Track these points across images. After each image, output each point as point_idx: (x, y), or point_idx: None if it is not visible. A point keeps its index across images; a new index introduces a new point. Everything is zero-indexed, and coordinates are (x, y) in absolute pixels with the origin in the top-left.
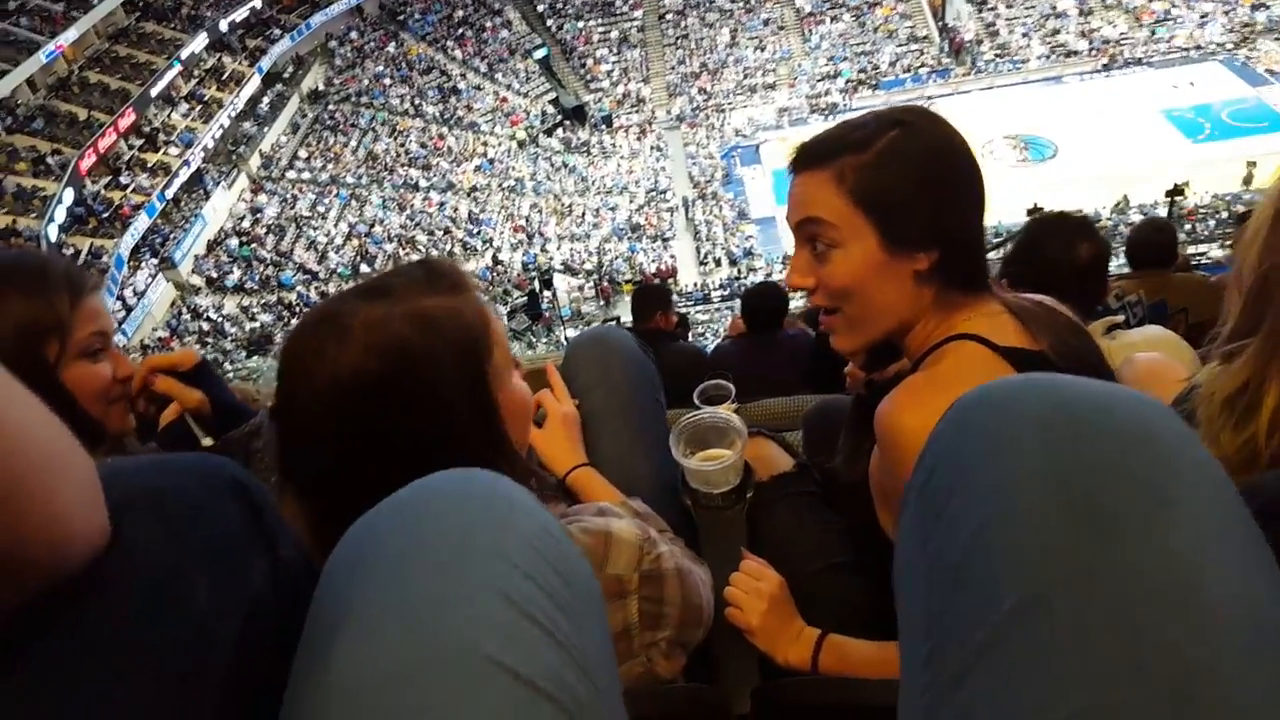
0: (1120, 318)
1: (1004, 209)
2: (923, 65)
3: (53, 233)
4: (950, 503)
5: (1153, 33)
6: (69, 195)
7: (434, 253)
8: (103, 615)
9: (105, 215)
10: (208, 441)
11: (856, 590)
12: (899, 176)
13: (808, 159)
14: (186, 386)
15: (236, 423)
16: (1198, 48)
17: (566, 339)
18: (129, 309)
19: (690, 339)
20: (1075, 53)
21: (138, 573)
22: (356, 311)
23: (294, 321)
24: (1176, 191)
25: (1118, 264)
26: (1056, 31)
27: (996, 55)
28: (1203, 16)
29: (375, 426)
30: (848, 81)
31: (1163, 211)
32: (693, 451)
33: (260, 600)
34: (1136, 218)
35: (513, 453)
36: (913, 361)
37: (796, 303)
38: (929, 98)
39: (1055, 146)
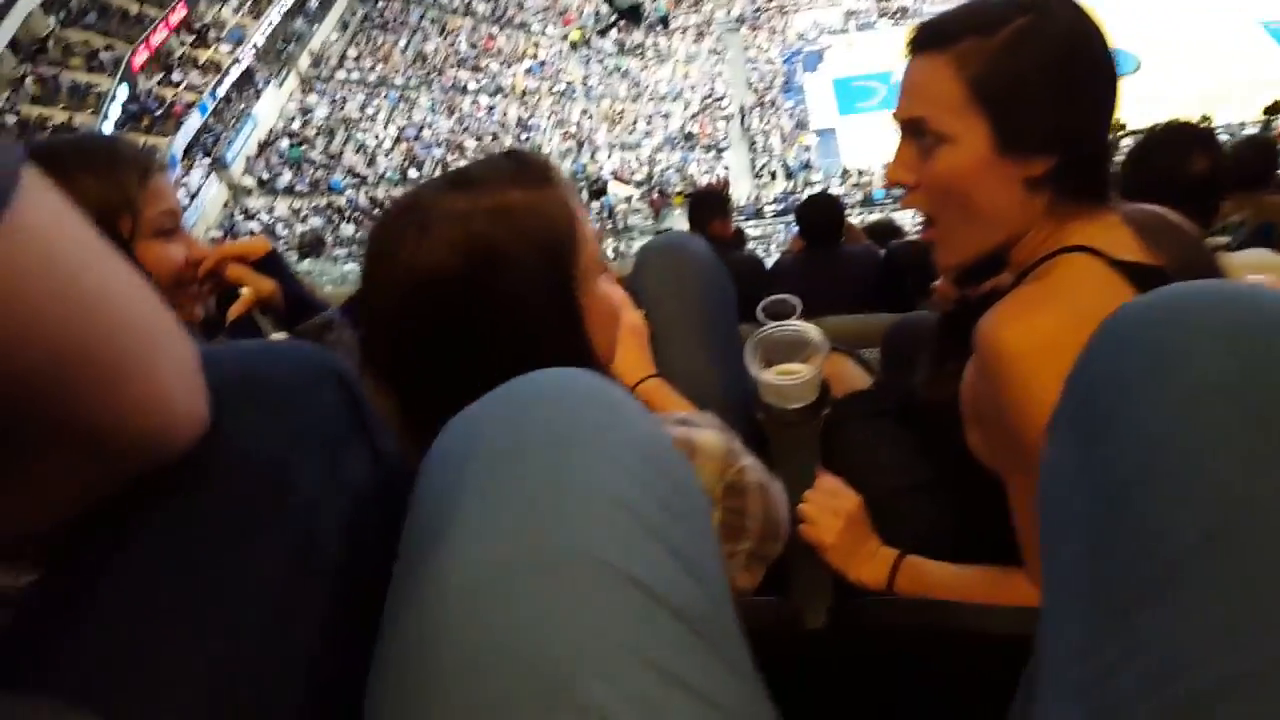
0: (1224, 239)
1: None
2: None
3: (108, 129)
4: (1116, 424)
5: None
6: (123, 91)
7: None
8: (206, 500)
9: (159, 113)
10: (277, 336)
11: (934, 511)
12: (1025, 69)
13: (927, 39)
14: (259, 275)
15: (307, 316)
16: None
17: (616, 252)
18: (183, 209)
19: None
20: None
21: (240, 458)
22: (439, 203)
23: (343, 226)
24: (1275, 108)
25: None
26: None
27: None
28: None
29: (452, 323)
30: None
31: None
32: (768, 365)
33: (359, 491)
34: (1224, 138)
35: (597, 361)
36: (1016, 275)
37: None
38: None
39: (1138, 60)
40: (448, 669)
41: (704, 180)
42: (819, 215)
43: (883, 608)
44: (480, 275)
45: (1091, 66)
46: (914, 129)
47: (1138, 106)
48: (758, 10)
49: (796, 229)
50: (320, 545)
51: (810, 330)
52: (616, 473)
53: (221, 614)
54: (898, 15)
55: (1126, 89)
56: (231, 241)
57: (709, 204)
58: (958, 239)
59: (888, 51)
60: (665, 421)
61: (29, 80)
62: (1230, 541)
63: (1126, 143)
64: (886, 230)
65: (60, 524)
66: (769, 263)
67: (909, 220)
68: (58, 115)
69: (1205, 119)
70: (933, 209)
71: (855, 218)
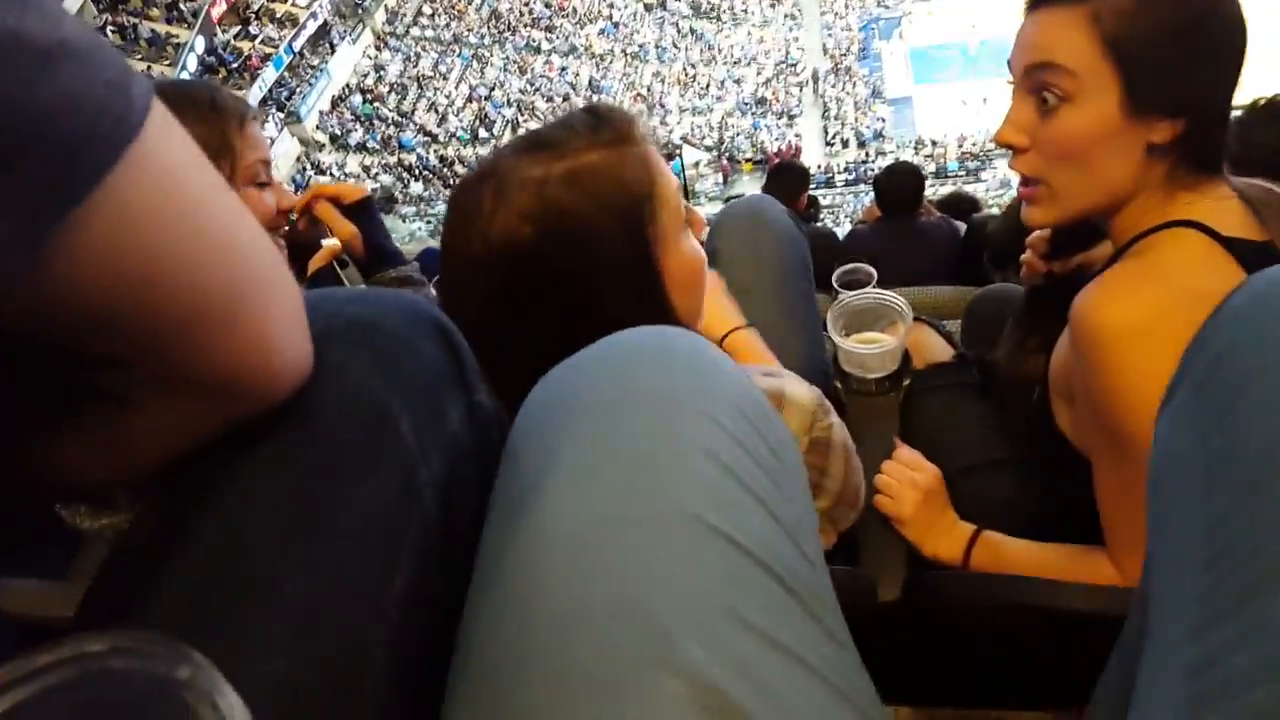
0: None
1: None
2: None
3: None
4: (1247, 395)
5: None
6: (200, 43)
7: (552, 121)
8: (310, 442)
9: (235, 65)
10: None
11: (1011, 488)
12: (1163, 27)
13: None
14: (342, 218)
15: (385, 266)
16: None
17: None
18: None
19: (818, 221)
20: None
21: (345, 403)
22: (515, 169)
23: (414, 185)
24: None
25: None
26: None
27: None
28: None
29: (530, 291)
30: None
31: None
32: (850, 333)
33: (458, 441)
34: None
35: (679, 321)
36: (1118, 246)
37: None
38: None
39: None
40: (546, 620)
41: (775, 147)
42: (899, 185)
43: (957, 582)
44: (554, 244)
45: (1226, 27)
46: (1037, 82)
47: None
48: None
49: (873, 198)
50: (419, 491)
51: (895, 300)
52: (717, 432)
53: (320, 553)
54: None
55: None
56: (329, 181)
57: (791, 179)
58: (1064, 198)
59: (966, 21)
60: (753, 373)
61: (109, 29)
62: None
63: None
64: (960, 203)
65: (167, 462)
66: (841, 233)
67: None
68: (136, 65)
69: (1256, 101)
70: (1044, 171)
71: (928, 189)
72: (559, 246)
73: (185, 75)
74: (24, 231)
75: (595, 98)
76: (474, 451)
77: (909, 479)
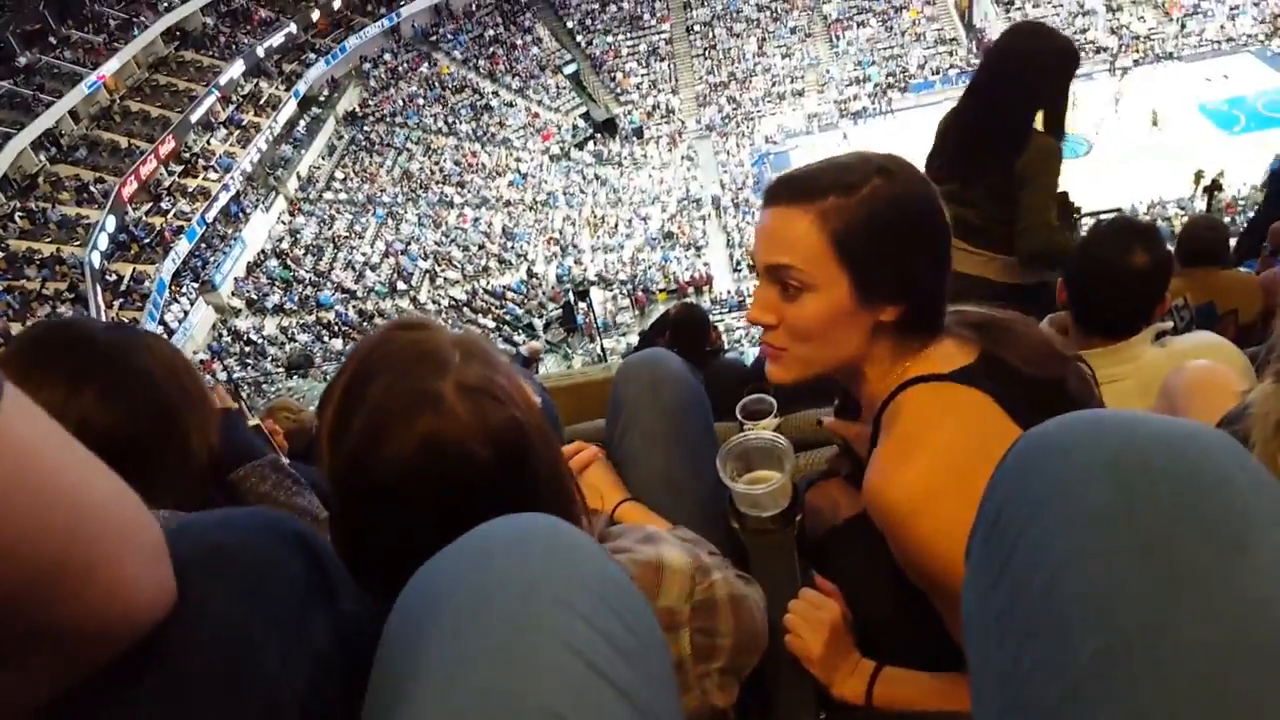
0: (1168, 324)
1: None
2: (951, 67)
3: (96, 260)
4: (1017, 552)
5: (1183, 26)
6: (111, 222)
7: (469, 269)
8: (171, 683)
9: (147, 241)
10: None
11: (931, 636)
12: (880, 226)
13: (791, 192)
14: None
15: (243, 462)
16: (1229, 40)
17: (603, 350)
18: (171, 332)
19: (726, 346)
20: (1104, 49)
21: (205, 637)
22: (439, 395)
23: (334, 341)
24: (1215, 186)
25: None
26: (1085, 30)
27: None
28: (1233, 8)
29: (418, 514)
30: (876, 85)
31: (1201, 205)
32: (740, 474)
33: (325, 658)
34: (1174, 212)
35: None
36: (871, 416)
37: None
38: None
39: (1089, 144)
40: None
41: (685, 276)
42: None
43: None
44: (440, 478)
45: (933, 222)
46: (777, 275)
47: (1089, 188)
48: (725, 118)
49: None
50: (282, 716)
51: (778, 439)
52: (571, 620)
53: None
54: (857, 115)
55: (1079, 170)
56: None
57: (691, 330)
58: (802, 363)
59: (850, 149)
60: (630, 535)
61: (17, 215)
62: (1116, 664)
63: (1086, 222)
64: None
65: (29, 713)
66: (751, 355)
67: None
68: (45, 248)
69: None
70: (788, 344)
71: None
72: (446, 486)
73: (96, 254)
74: None
75: (510, 244)
76: (340, 663)
77: (814, 618)
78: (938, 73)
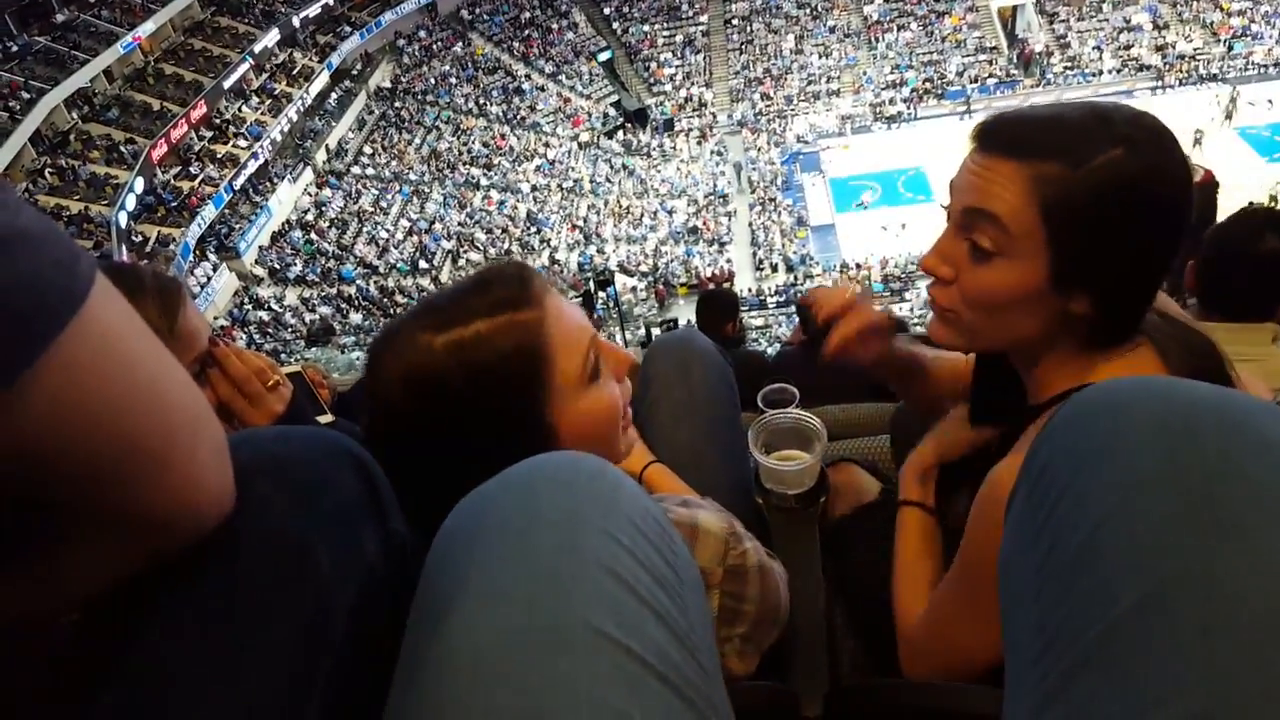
0: None
1: None
2: (990, 76)
3: (122, 219)
4: (1063, 501)
5: (1230, 48)
6: (140, 184)
7: (491, 252)
8: (232, 576)
9: (174, 204)
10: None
11: None
12: (1103, 210)
13: (1008, 143)
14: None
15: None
16: (1276, 64)
17: (624, 341)
18: (193, 297)
19: (745, 345)
20: (1148, 67)
21: (264, 537)
22: (409, 335)
23: (353, 315)
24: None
25: None
26: (1129, 46)
27: (1067, 67)
28: None
29: (421, 447)
30: (913, 90)
31: None
32: (769, 451)
33: (373, 569)
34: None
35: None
36: (1036, 403)
37: None
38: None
39: None
40: None
41: (708, 272)
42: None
43: (876, 694)
44: (426, 410)
45: (1170, 214)
46: (971, 224)
47: None
48: (758, 114)
49: (798, 321)
50: (335, 622)
51: (811, 420)
52: (616, 550)
53: (239, 685)
54: (892, 120)
55: None
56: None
57: (720, 308)
58: (972, 334)
59: (883, 154)
60: (668, 502)
61: (48, 171)
62: (1155, 611)
63: None
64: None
65: (96, 595)
66: (771, 353)
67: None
68: (73, 205)
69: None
70: (959, 307)
71: None
72: (433, 414)
73: (123, 214)
74: None
75: (534, 229)
76: (389, 578)
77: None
78: (976, 81)
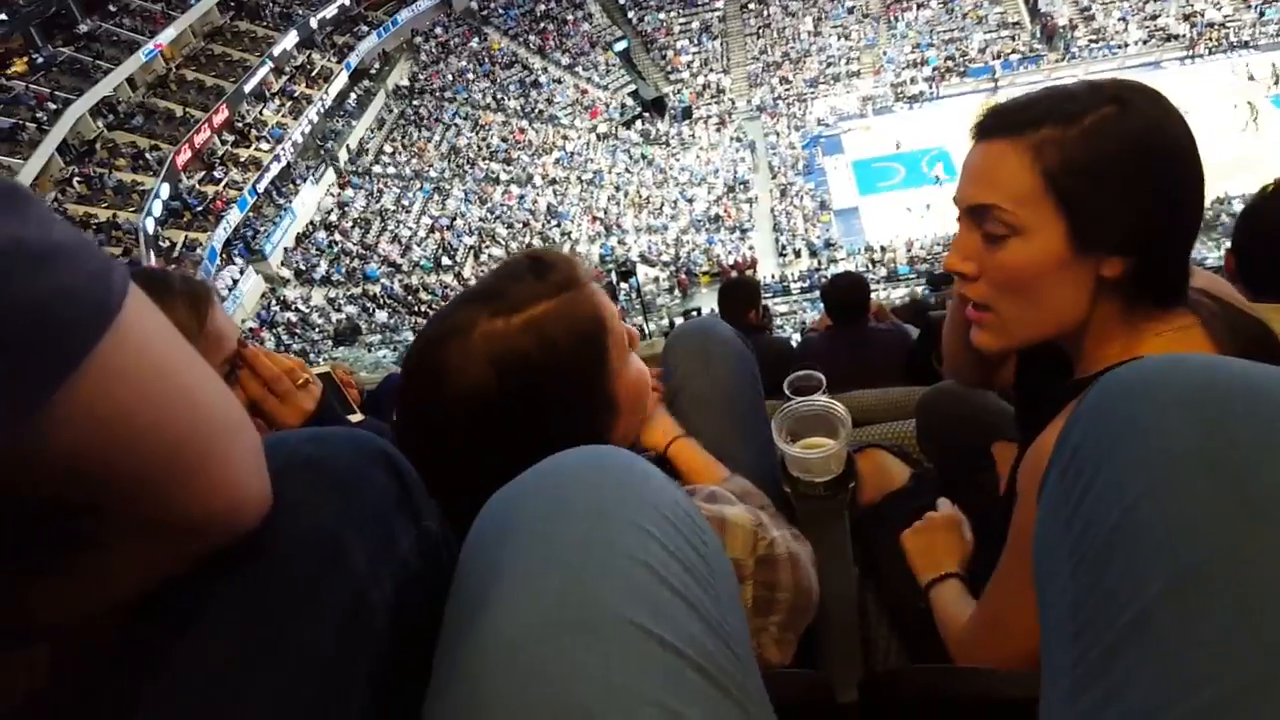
0: None
1: None
2: (1014, 52)
3: (150, 226)
4: (1097, 480)
5: (1261, 14)
6: (165, 190)
7: (513, 246)
8: (270, 575)
9: (199, 209)
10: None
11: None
12: (1105, 162)
13: (1001, 124)
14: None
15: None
16: None
17: (646, 331)
18: (221, 300)
19: (770, 332)
20: (1176, 36)
21: (300, 536)
22: (476, 322)
23: (379, 313)
24: None
25: None
26: (1155, 16)
27: (1091, 40)
28: None
29: (498, 433)
30: (934, 69)
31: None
32: (794, 439)
33: (408, 566)
34: (1239, 208)
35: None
36: (1080, 377)
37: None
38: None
39: None
40: None
41: (729, 260)
42: (844, 295)
43: (911, 678)
44: (520, 389)
45: (1174, 164)
46: (980, 217)
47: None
48: (777, 99)
49: (823, 307)
50: (370, 617)
51: (836, 406)
52: (647, 541)
53: (280, 681)
54: (913, 100)
55: None
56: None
57: (743, 296)
58: (1012, 327)
59: (905, 134)
60: (699, 495)
61: (75, 180)
62: (1189, 594)
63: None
64: (921, 310)
65: (126, 602)
66: (796, 340)
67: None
68: (101, 213)
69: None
70: (993, 299)
71: (880, 293)
72: (521, 392)
73: (150, 220)
74: (15, 406)
75: (554, 222)
76: (423, 575)
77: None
78: (999, 57)
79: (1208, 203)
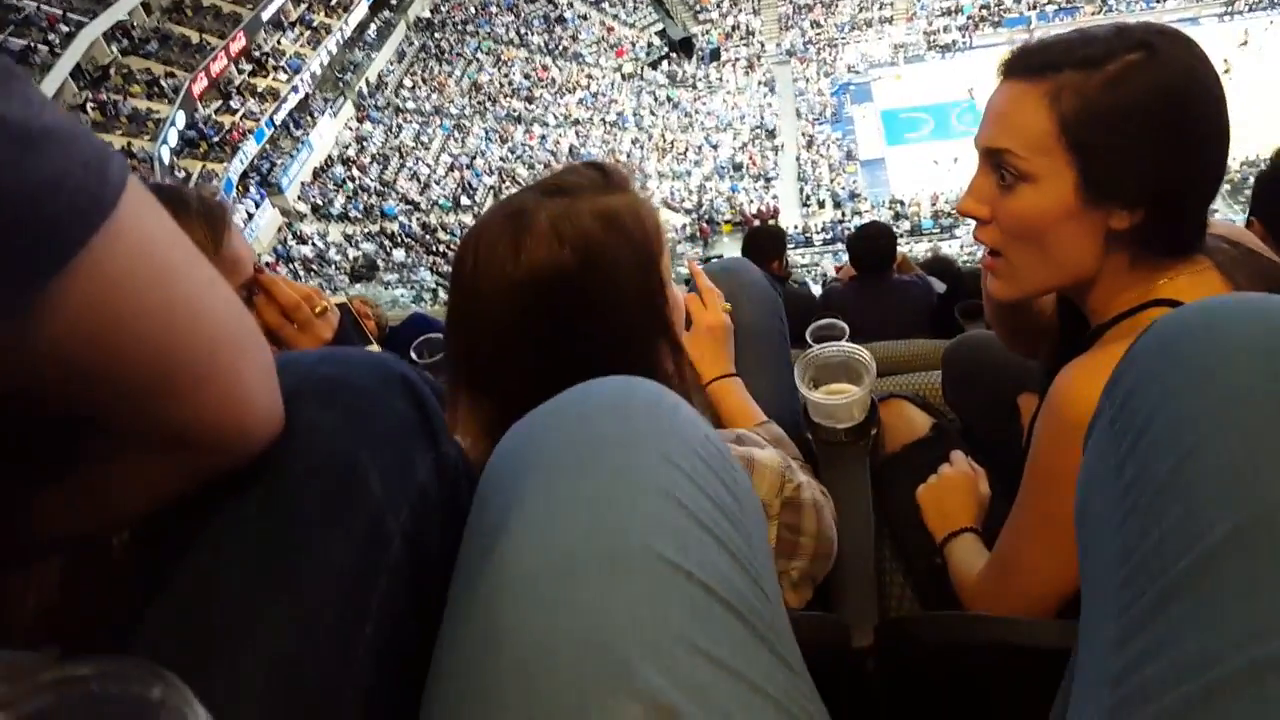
0: None
1: None
2: (1049, 2)
3: (165, 155)
4: (1152, 427)
5: None
6: (181, 118)
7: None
8: (282, 496)
9: (216, 140)
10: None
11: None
12: (1125, 112)
13: (1024, 65)
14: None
15: None
16: None
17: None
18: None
19: (794, 283)
20: None
21: (314, 458)
22: (542, 206)
23: (396, 252)
24: None
25: None
26: None
27: None
28: None
29: (558, 317)
30: (969, 18)
31: None
32: (817, 386)
33: (425, 492)
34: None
35: (682, 350)
36: (1098, 325)
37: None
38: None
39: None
40: (511, 654)
41: (752, 209)
42: (870, 245)
43: (926, 624)
44: (585, 270)
45: (1197, 117)
46: (994, 160)
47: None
48: (807, 43)
49: (847, 258)
50: (387, 541)
51: (860, 352)
52: (675, 474)
53: (292, 602)
54: (946, 49)
55: None
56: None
57: (768, 245)
58: (1022, 275)
59: (936, 84)
60: (724, 437)
61: (89, 106)
62: (1257, 539)
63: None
64: (945, 265)
65: (144, 516)
66: (818, 291)
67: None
68: (116, 141)
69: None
70: (1004, 245)
71: (903, 246)
72: (592, 274)
73: (166, 150)
74: (5, 300)
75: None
76: (441, 502)
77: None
78: (1034, 7)
79: (1237, 164)
